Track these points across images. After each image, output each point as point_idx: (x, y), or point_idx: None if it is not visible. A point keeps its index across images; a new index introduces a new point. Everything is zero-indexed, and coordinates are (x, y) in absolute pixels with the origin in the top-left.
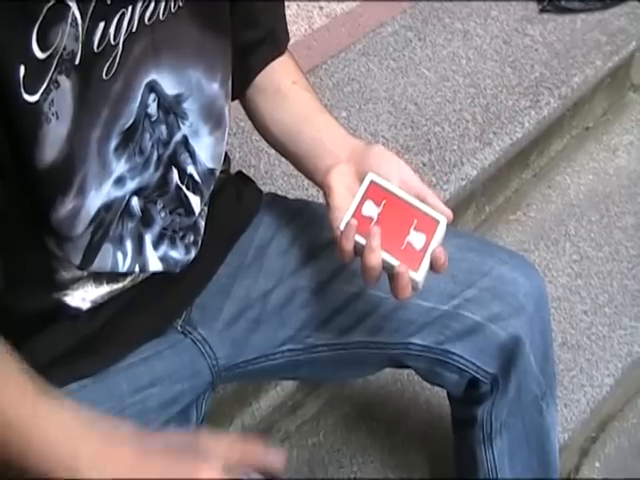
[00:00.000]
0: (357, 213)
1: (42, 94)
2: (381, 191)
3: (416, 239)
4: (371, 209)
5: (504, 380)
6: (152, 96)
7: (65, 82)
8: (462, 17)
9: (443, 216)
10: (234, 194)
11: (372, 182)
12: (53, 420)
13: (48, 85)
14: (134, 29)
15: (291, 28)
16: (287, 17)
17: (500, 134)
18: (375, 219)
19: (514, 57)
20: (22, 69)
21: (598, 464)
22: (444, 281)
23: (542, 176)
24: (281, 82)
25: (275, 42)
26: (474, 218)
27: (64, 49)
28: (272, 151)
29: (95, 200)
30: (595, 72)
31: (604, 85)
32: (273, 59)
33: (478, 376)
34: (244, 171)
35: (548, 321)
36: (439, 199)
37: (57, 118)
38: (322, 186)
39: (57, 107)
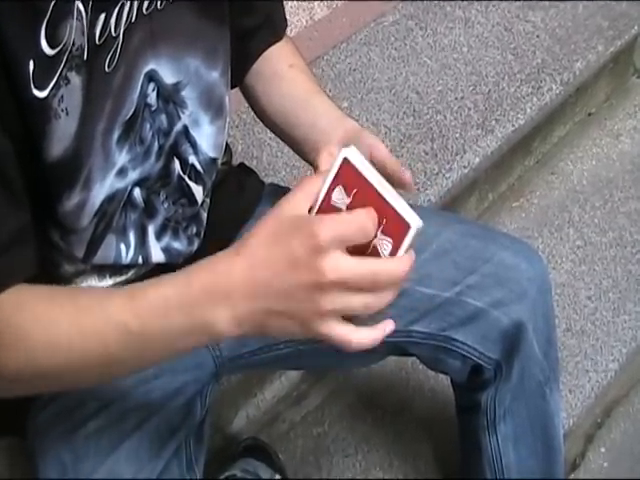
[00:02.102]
0: (326, 201)
1: (51, 90)
2: (354, 175)
3: (383, 244)
4: (341, 198)
5: (507, 366)
6: (151, 85)
7: (75, 78)
8: (463, 5)
9: (417, 220)
10: (236, 185)
11: (345, 160)
12: (155, 291)
13: (57, 81)
14: (133, 19)
15: (292, 19)
16: (288, 8)
17: (502, 121)
18: (343, 212)
19: (516, 44)
20: (32, 65)
21: (603, 449)
22: (446, 268)
23: (545, 163)
24: (278, 66)
25: (273, 28)
26: (477, 206)
27: (73, 44)
28: (274, 143)
29: (99, 192)
30: (597, 57)
31: (607, 70)
32: (271, 45)
33: (481, 362)
34: (246, 163)
35: (551, 306)
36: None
37: (67, 114)
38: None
39: (66, 103)
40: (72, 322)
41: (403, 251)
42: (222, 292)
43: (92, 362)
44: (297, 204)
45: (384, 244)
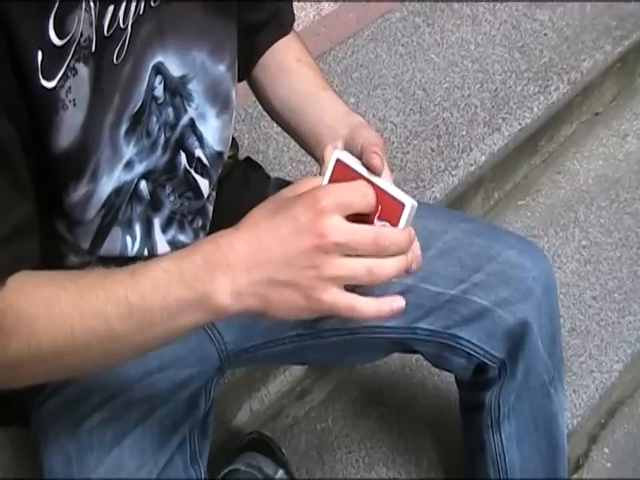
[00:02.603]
0: None
1: (59, 81)
2: (347, 171)
3: None
4: None
5: (512, 365)
6: (158, 78)
7: (83, 69)
8: (471, 2)
9: (410, 199)
10: (242, 179)
11: (338, 161)
12: (156, 265)
13: (65, 72)
14: (141, 12)
15: (299, 14)
16: (295, 3)
17: (509, 119)
18: None
19: (523, 42)
20: (40, 55)
21: (607, 450)
22: (452, 266)
23: (551, 162)
24: (285, 60)
25: (280, 22)
26: (483, 204)
27: (81, 36)
28: (280, 137)
29: (107, 185)
30: (605, 57)
31: (614, 70)
32: (278, 39)
33: (486, 361)
34: (252, 157)
35: (556, 306)
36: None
37: (74, 105)
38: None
39: (74, 94)
40: (73, 302)
41: (402, 224)
42: (223, 262)
43: (94, 341)
44: (298, 192)
45: None
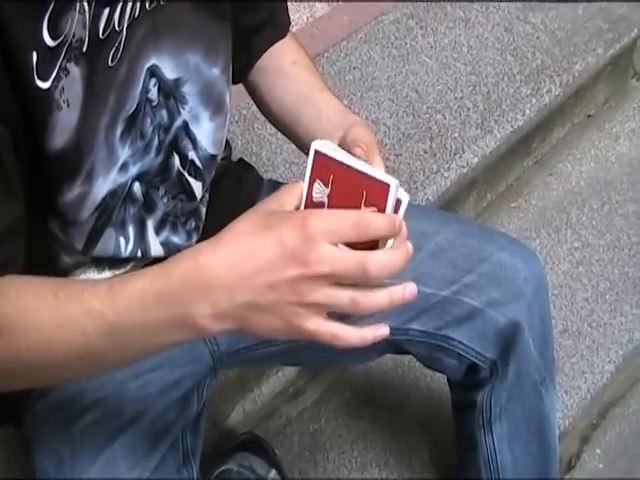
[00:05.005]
0: (308, 201)
1: (53, 81)
2: (327, 162)
3: None
4: (320, 191)
5: (503, 365)
6: (153, 81)
7: (74, 69)
8: (463, 5)
9: (394, 179)
10: (235, 181)
11: (316, 152)
12: (134, 284)
13: (58, 72)
14: (136, 15)
15: (293, 16)
16: (289, 5)
17: (501, 122)
18: (326, 203)
19: (515, 45)
20: (35, 55)
21: (599, 451)
22: (443, 267)
23: (543, 164)
24: (282, 62)
25: (276, 25)
26: (475, 206)
27: (73, 37)
28: (274, 139)
29: (102, 187)
30: (597, 60)
31: (606, 73)
32: (275, 42)
33: (477, 361)
34: (246, 158)
35: (548, 306)
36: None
37: (68, 106)
38: None
39: (68, 94)
40: (52, 313)
41: (389, 209)
42: (202, 284)
43: (72, 354)
44: (284, 202)
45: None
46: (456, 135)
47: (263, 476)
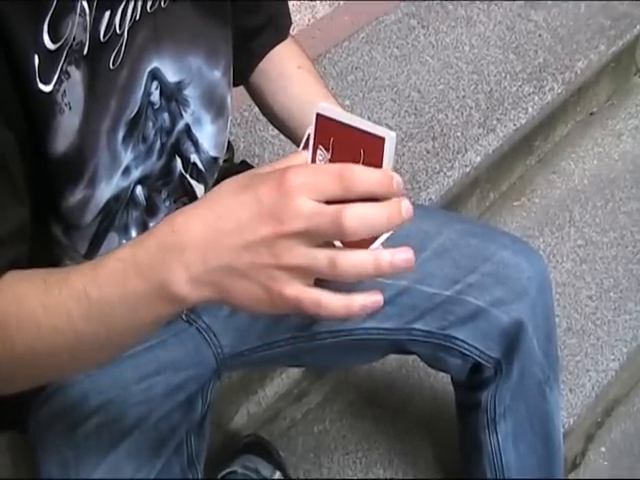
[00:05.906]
0: None
1: (55, 84)
2: (327, 125)
3: None
4: (322, 157)
5: (507, 364)
6: (155, 84)
7: (75, 73)
8: (465, 4)
9: (390, 132)
10: None
11: (318, 116)
12: (115, 253)
13: (59, 76)
14: (138, 17)
15: (294, 17)
16: (290, 6)
17: (504, 120)
18: None
19: (517, 43)
20: (37, 59)
21: (604, 449)
22: (447, 266)
23: (546, 162)
24: (285, 66)
25: (277, 27)
26: (478, 205)
27: (73, 40)
28: (276, 141)
29: (105, 191)
30: (599, 57)
31: (608, 70)
32: (276, 44)
33: (481, 361)
34: (248, 160)
35: (551, 305)
36: None
37: (70, 109)
38: None
39: (69, 98)
40: (40, 299)
41: (386, 165)
42: (177, 246)
43: (60, 339)
44: (277, 167)
45: None
46: (458, 134)
47: (268, 478)
